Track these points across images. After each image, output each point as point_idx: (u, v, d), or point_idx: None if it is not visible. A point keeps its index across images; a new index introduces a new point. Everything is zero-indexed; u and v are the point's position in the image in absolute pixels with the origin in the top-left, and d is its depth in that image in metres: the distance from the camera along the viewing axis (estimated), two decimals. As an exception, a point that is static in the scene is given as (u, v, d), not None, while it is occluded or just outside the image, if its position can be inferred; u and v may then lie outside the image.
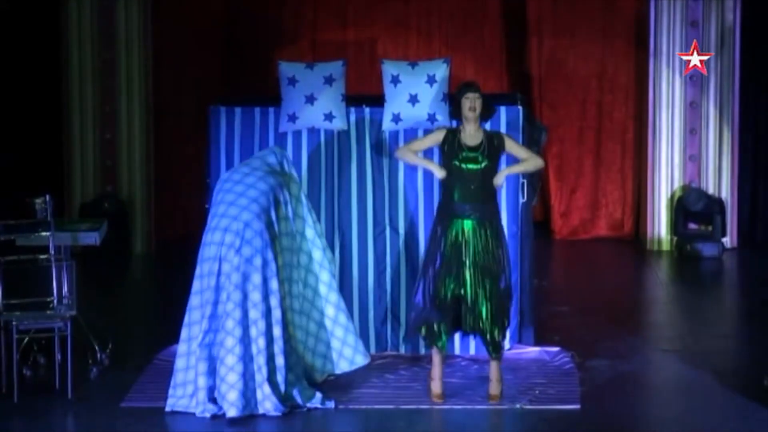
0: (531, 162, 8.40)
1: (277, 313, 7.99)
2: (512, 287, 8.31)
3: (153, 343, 9.40)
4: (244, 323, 7.91)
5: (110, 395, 8.36)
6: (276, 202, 8.16)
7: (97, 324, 9.35)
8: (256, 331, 7.91)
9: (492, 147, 8.20)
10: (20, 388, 8.32)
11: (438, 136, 8.32)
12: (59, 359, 8.52)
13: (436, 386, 8.26)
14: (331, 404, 8.10)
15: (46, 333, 8.56)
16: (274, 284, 8.00)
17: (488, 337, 8.13)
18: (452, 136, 8.24)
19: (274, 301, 7.98)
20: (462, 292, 8.12)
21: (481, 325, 8.11)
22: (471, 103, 8.19)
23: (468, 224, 8.15)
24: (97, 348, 8.99)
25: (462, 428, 7.92)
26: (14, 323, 8.33)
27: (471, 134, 8.22)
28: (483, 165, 8.16)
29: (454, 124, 8.58)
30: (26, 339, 8.67)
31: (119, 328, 10.12)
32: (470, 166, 8.16)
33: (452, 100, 8.44)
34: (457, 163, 8.18)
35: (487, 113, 8.35)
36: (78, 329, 8.68)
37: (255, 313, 7.93)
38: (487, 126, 8.53)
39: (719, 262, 13.16)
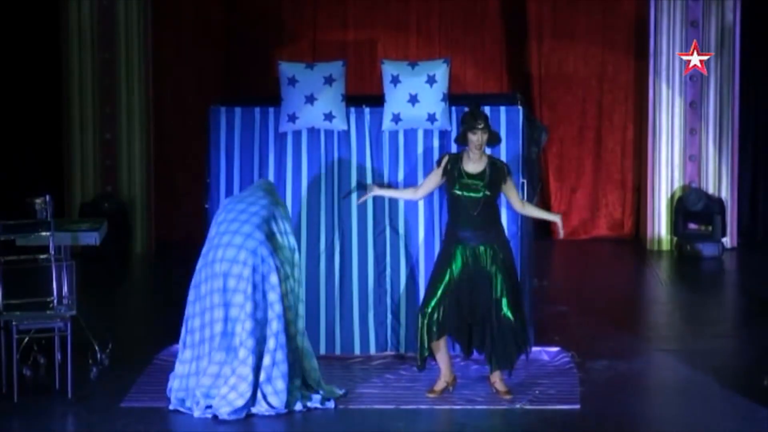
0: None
1: (281, 318, 7.97)
2: (522, 306, 8.30)
3: (153, 343, 9.39)
4: (246, 326, 7.91)
5: (110, 395, 8.36)
6: (274, 216, 8.16)
7: (97, 324, 9.35)
8: (259, 333, 7.90)
9: (495, 176, 8.21)
10: (20, 388, 8.31)
11: (439, 168, 8.31)
12: (59, 359, 8.53)
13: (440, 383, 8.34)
14: (330, 404, 8.10)
15: (46, 333, 8.56)
16: (277, 291, 7.98)
17: (496, 353, 8.19)
18: (453, 163, 8.23)
19: (278, 308, 7.96)
20: (467, 315, 8.20)
21: (489, 342, 8.17)
22: (478, 140, 8.17)
23: (471, 251, 8.19)
24: (97, 348, 8.99)
25: (462, 428, 7.91)
26: (14, 323, 8.33)
27: (474, 161, 8.21)
28: (483, 193, 8.16)
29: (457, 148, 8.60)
30: (26, 339, 8.67)
31: (119, 328, 10.13)
32: (470, 194, 8.16)
33: (457, 128, 8.37)
34: (457, 191, 8.18)
35: (492, 142, 8.34)
36: (78, 329, 8.67)
37: (260, 315, 7.92)
38: (489, 150, 8.55)
39: (719, 262, 13.15)
